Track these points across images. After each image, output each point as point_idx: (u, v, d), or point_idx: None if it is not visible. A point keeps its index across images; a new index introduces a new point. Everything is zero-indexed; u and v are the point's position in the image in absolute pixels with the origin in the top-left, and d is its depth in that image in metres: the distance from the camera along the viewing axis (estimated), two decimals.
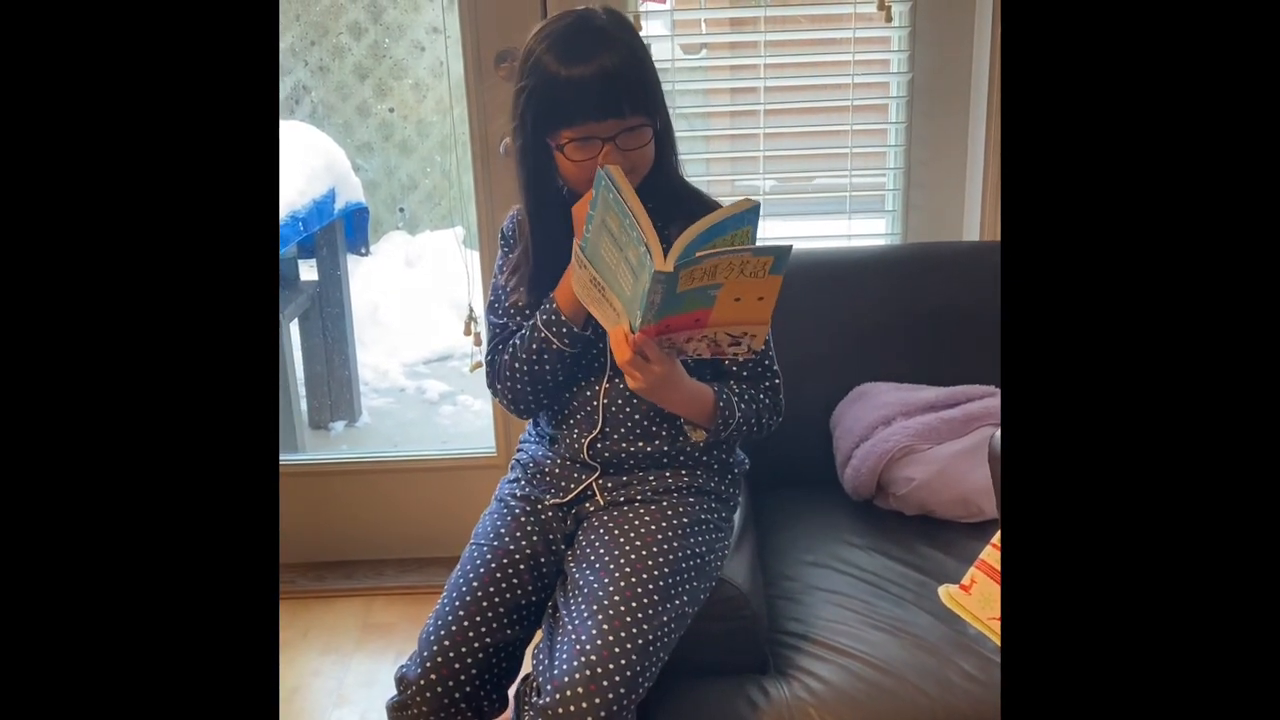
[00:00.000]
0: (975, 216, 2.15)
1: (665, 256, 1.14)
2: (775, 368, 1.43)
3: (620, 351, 1.23)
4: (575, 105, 1.28)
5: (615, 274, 1.21)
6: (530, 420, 1.54)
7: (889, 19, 2.03)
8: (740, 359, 1.36)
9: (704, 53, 2.26)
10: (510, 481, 1.50)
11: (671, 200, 1.37)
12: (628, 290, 1.20)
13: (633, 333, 1.21)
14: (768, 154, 2.15)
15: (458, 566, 1.40)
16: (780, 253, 1.16)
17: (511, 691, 1.38)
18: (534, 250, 1.40)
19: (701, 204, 1.40)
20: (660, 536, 1.34)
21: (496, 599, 1.34)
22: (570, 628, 1.26)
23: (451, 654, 1.30)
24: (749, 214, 1.19)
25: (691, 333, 1.22)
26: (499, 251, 1.52)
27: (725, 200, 1.43)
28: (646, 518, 1.37)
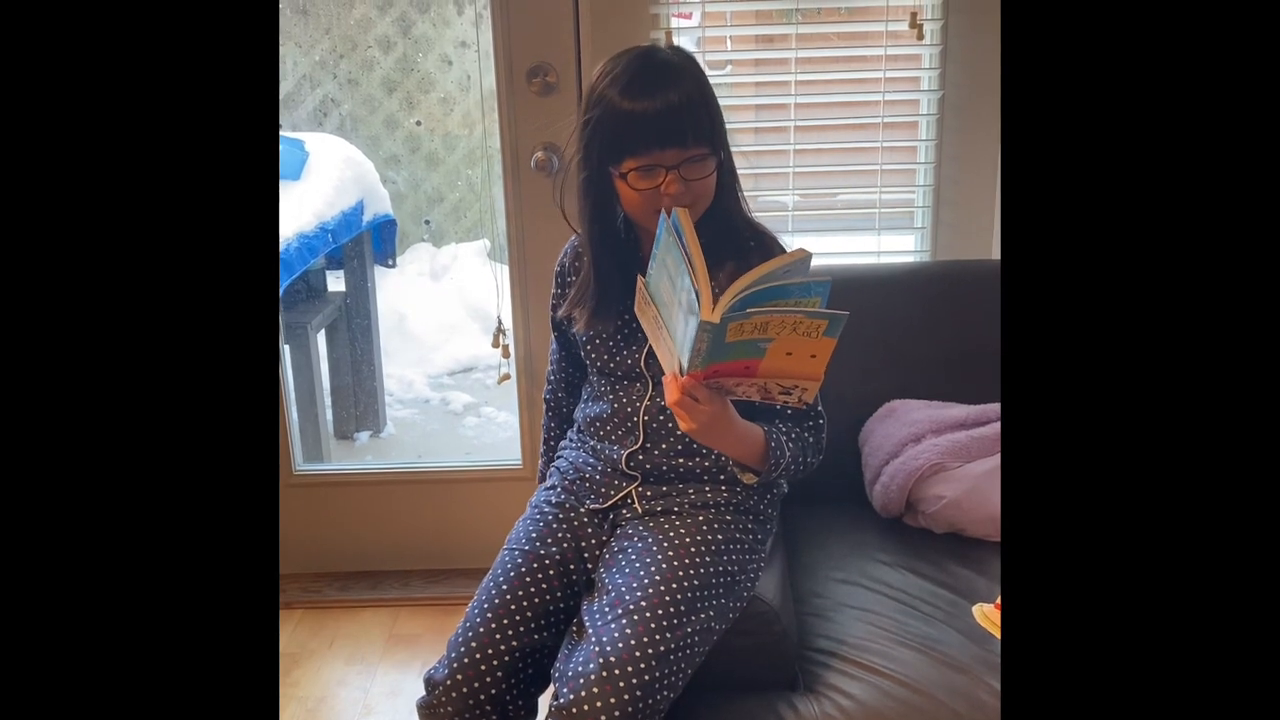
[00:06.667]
0: None
1: (715, 304, 1.13)
2: (819, 407, 1.42)
3: (670, 392, 1.23)
4: (640, 134, 1.29)
5: (671, 313, 1.22)
6: (573, 428, 1.57)
7: (920, 37, 2.03)
8: (790, 408, 1.34)
9: (729, 69, 2.27)
10: (546, 489, 1.52)
11: (728, 235, 1.38)
12: (678, 333, 1.20)
13: (681, 374, 1.21)
14: (798, 170, 2.16)
15: (489, 571, 1.41)
16: (835, 320, 1.14)
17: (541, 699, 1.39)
18: (596, 278, 1.42)
19: (760, 241, 1.41)
20: (694, 549, 1.34)
21: (525, 603, 1.35)
22: (591, 631, 1.27)
23: (478, 656, 1.31)
24: (819, 286, 1.16)
25: (741, 379, 1.21)
26: (553, 286, 1.55)
27: (780, 235, 1.44)
28: (682, 530, 1.37)
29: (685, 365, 1.19)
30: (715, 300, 1.13)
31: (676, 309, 1.20)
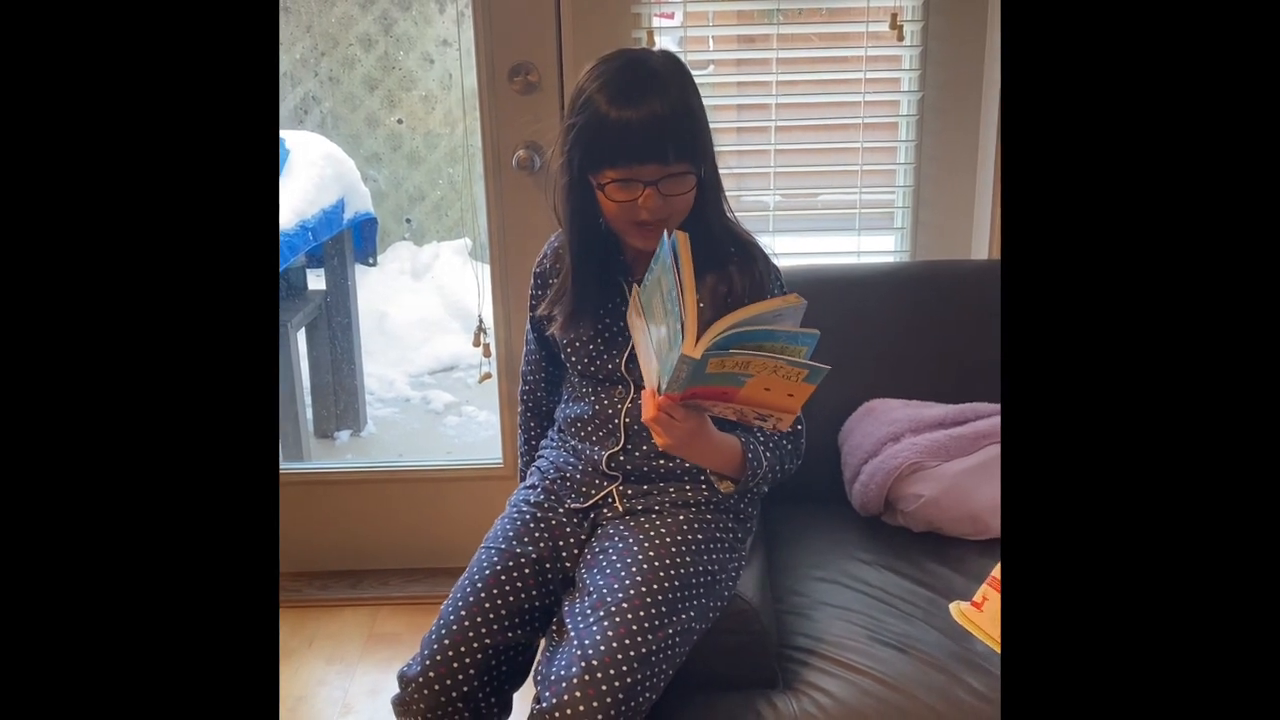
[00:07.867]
0: (984, 235, 2.16)
1: (699, 338, 1.13)
2: (799, 413, 1.43)
3: (647, 408, 1.24)
4: (620, 147, 1.28)
5: (657, 333, 1.22)
6: (553, 427, 1.56)
7: (901, 38, 2.05)
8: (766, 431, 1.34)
9: (711, 69, 2.27)
10: (526, 488, 1.52)
11: (707, 246, 1.36)
12: (661, 354, 1.21)
13: (659, 394, 1.21)
14: (779, 170, 2.16)
15: (466, 569, 1.41)
16: (815, 371, 1.15)
17: (517, 696, 1.39)
18: (575, 282, 1.42)
19: (741, 248, 1.40)
20: (674, 550, 1.35)
21: (499, 601, 1.35)
22: (573, 633, 1.27)
23: (450, 653, 1.31)
24: (807, 338, 1.16)
25: (718, 401, 1.22)
26: (531, 287, 1.54)
27: (760, 236, 1.45)
28: (662, 529, 1.37)
29: (663, 387, 1.20)
30: (703, 327, 1.14)
31: (663, 331, 1.20)
